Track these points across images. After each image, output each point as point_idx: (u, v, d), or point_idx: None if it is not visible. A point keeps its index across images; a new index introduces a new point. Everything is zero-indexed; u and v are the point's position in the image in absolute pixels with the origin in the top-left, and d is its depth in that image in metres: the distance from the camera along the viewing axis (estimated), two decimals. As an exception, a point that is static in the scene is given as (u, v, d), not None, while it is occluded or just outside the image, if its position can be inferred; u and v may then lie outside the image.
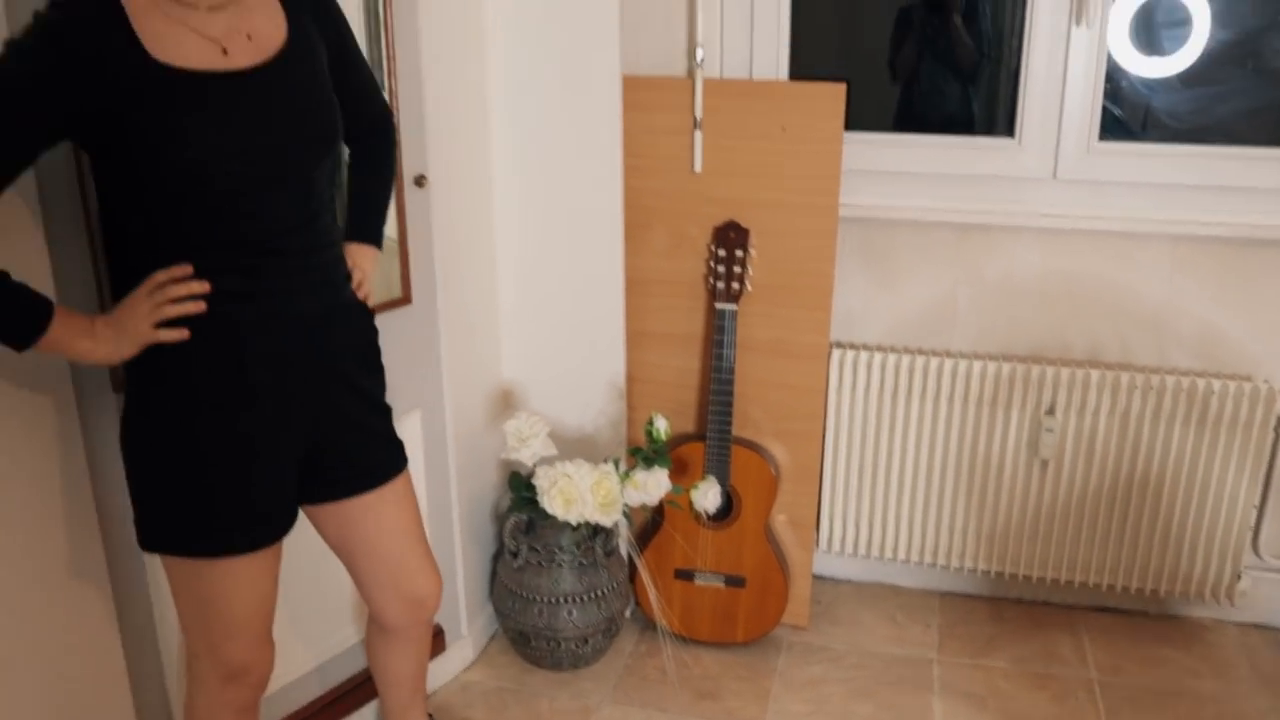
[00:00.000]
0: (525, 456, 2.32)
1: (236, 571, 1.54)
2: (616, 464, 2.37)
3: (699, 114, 2.41)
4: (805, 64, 2.54)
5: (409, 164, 2.13)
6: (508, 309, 2.54)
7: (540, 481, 2.32)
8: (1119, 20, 2.43)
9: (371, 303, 1.70)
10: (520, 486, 2.43)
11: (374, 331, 1.69)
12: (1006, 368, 2.51)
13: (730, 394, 2.44)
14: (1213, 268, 2.47)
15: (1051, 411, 2.51)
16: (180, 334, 1.43)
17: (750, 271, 2.45)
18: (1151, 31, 2.46)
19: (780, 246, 2.45)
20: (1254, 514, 2.51)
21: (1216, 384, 2.42)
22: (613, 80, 2.33)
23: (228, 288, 1.44)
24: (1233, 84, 2.49)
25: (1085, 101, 2.44)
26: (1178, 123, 2.51)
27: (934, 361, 2.54)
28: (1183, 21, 2.44)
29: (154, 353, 1.44)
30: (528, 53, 2.35)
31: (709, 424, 2.46)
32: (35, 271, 1.53)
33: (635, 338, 2.57)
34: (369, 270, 1.74)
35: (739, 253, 2.41)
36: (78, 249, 1.62)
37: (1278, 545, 2.59)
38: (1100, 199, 2.49)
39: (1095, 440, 2.51)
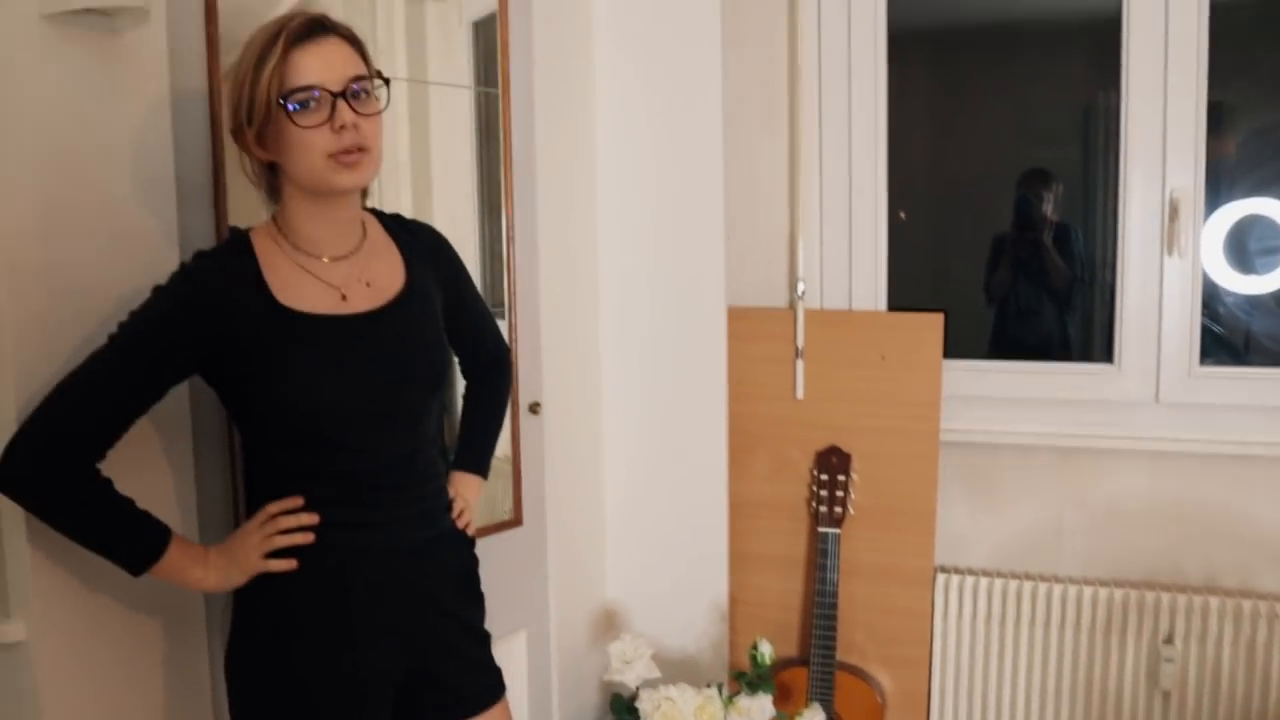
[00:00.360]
0: (629, 679, 2.32)
1: None
2: (720, 688, 2.35)
3: (801, 343, 2.50)
4: (902, 290, 2.63)
5: (525, 392, 2.25)
6: (613, 531, 2.60)
7: (644, 705, 2.31)
8: (1212, 242, 2.47)
9: (471, 531, 1.71)
10: (622, 709, 2.41)
11: (474, 560, 1.71)
12: (1119, 594, 2.45)
13: (834, 618, 2.43)
14: (1332, 491, 2.42)
15: (1170, 640, 2.42)
16: (289, 564, 1.47)
17: (853, 495, 2.48)
18: (1245, 254, 2.50)
19: (882, 470, 2.49)
20: (1396, 754, 2.36)
21: (1347, 613, 2.33)
22: (718, 312, 2.45)
23: (334, 518, 1.48)
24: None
25: (1183, 326, 2.47)
26: (1280, 345, 2.53)
27: (1042, 587, 2.49)
28: (1276, 249, 2.48)
29: (260, 580, 1.48)
30: (638, 289, 2.50)
31: (813, 649, 2.44)
32: (183, 497, 1.63)
33: (738, 560, 2.59)
34: (472, 500, 1.77)
35: (841, 477, 2.45)
36: (221, 479, 1.73)
37: None
38: (1205, 422, 2.47)
39: (1220, 672, 2.40)
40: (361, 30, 1.47)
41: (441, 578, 1.61)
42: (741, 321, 2.53)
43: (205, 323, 1.40)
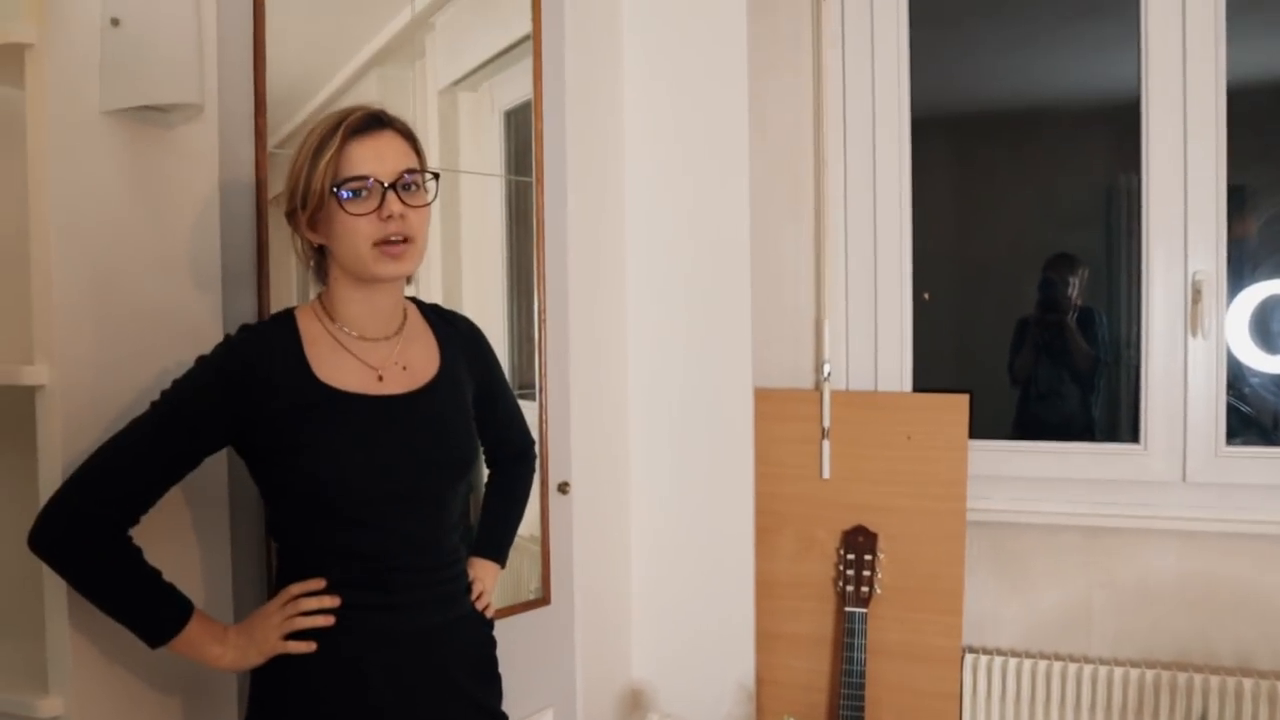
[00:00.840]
0: (655, 761, 2.32)
1: None
2: (748, 771, 2.34)
3: (827, 424, 2.53)
4: (927, 372, 2.66)
5: (554, 472, 2.28)
6: (640, 609, 2.61)
7: (672, 787, 2.30)
8: (1236, 323, 2.49)
9: (490, 614, 1.72)
10: (651, 791, 2.40)
11: (492, 643, 1.71)
12: (1150, 674, 2.42)
13: (861, 699, 2.41)
14: (1362, 572, 2.40)
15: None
16: (308, 646, 1.47)
17: (879, 575, 2.48)
18: (1269, 334, 2.52)
19: (909, 550, 2.49)
20: None
21: (1380, 695, 2.30)
22: (746, 393, 2.48)
23: (354, 600, 1.49)
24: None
25: (1209, 407, 2.48)
26: (1309, 426, 2.53)
27: (1072, 667, 2.47)
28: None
29: (279, 660, 1.48)
30: (666, 370, 2.54)
31: (841, 730, 2.42)
32: (218, 570, 1.66)
33: (765, 639, 2.59)
34: (490, 585, 1.78)
35: (868, 556, 2.46)
36: (256, 553, 1.76)
37: None
38: (1234, 501, 2.47)
39: (1255, 754, 2.37)
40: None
41: (459, 661, 1.61)
42: (768, 403, 2.56)
43: (244, 393, 1.44)
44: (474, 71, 2.20)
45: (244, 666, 1.50)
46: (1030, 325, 2.76)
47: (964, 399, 2.45)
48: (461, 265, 2.19)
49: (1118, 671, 2.44)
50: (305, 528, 1.50)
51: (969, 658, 2.54)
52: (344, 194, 1.43)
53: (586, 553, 2.39)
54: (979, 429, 2.54)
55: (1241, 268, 2.49)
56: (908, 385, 2.65)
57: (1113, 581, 2.55)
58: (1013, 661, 2.51)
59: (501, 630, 1.74)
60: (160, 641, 1.44)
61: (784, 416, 2.57)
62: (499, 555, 1.85)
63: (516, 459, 1.89)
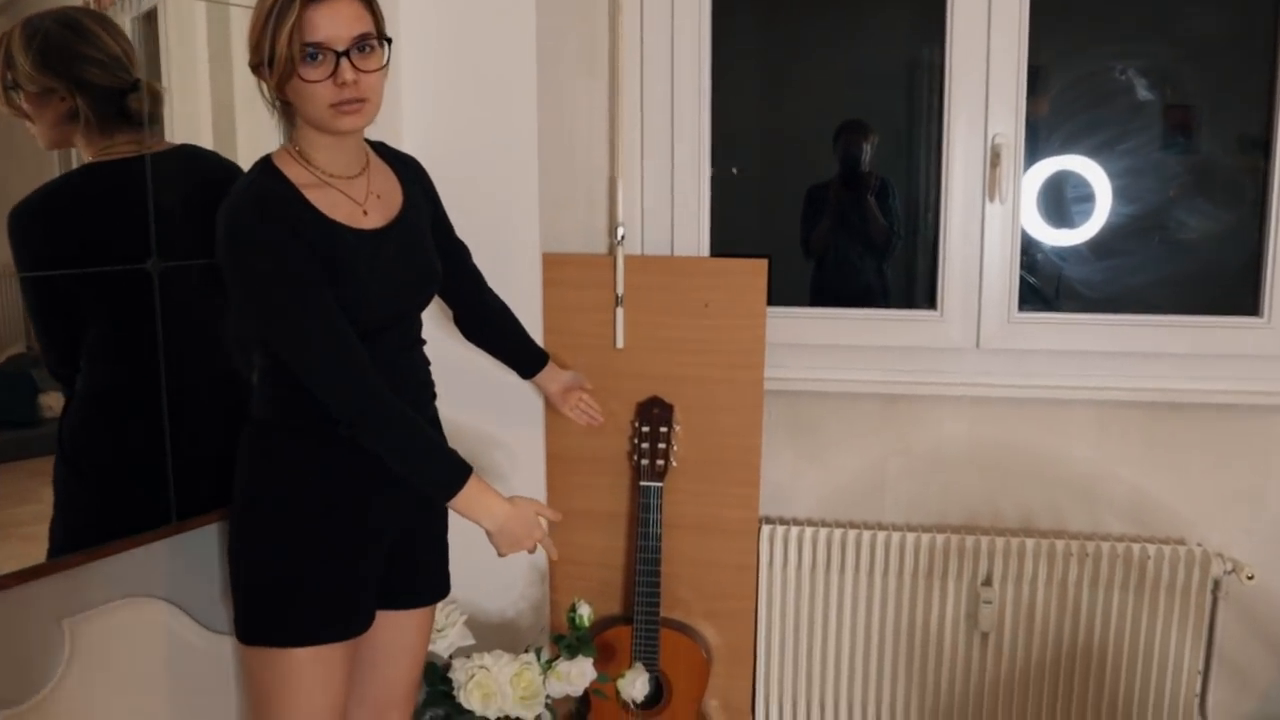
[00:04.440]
0: (441, 648, 2.20)
1: (332, 660, 1.71)
2: (538, 653, 2.25)
3: (620, 290, 2.41)
4: (726, 241, 2.57)
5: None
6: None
7: (456, 675, 2.19)
8: (1029, 195, 2.50)
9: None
10: (436, 680, 2.29)
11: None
12: (940, 539, 2.46)
13: (657, 574, 2.36)
14: (1138, 433, 2.48)
15: (989, 582, 2.45)
16: (553, 552, 1.89)
17: (675, 447, 2.41)
18: (1062, 206, 2.54)
19: (706, 422, 2.42)
20: (1198, 680, 2.44)
21: (1151, 549, 2.39)
22: (533, 258, 2.33)
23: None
24: (1142, 255, 2.56)
25: (1003, 274, 2.49)
26: (1094, 292, 2.57)
27: (866, 535, 2.48)
28: (1089, 197, 2.52)
29: (275, 463, 1.71)
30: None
31: (636, 607, 2.36)
32: None
33: (558, 517, 2.49)
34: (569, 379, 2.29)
35: (663, 429, 2.38)
36: None
37: (1224, 711, 2.51)
38: (1023, 367, 2.51)
39: (1034, 611, 2.44)
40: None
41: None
42: (558, 268, 2.42)
43: (300, 237, 1.58)
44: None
45: (502, 531, 1.75)
46: (825, 193, 2.70)
47: (763, 264, 2.37)
48: (235, 109, 1.99)
49: (909, 537, 2.47)
50: None
51: (765, 528, 2.51)
52: (302, 60, 1.53)
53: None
54: (777, 297, 2.47)
55: (1035, 144, 2.49)
56: (706, 251, 2.55)
57: (908, 449, 2.57)
58: (809, 531, 2.50)
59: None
60: (461, 484, 1.69)
61: (575, 283, 2.43)
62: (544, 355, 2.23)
63: (480, 282, 2.11)
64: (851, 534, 2.48)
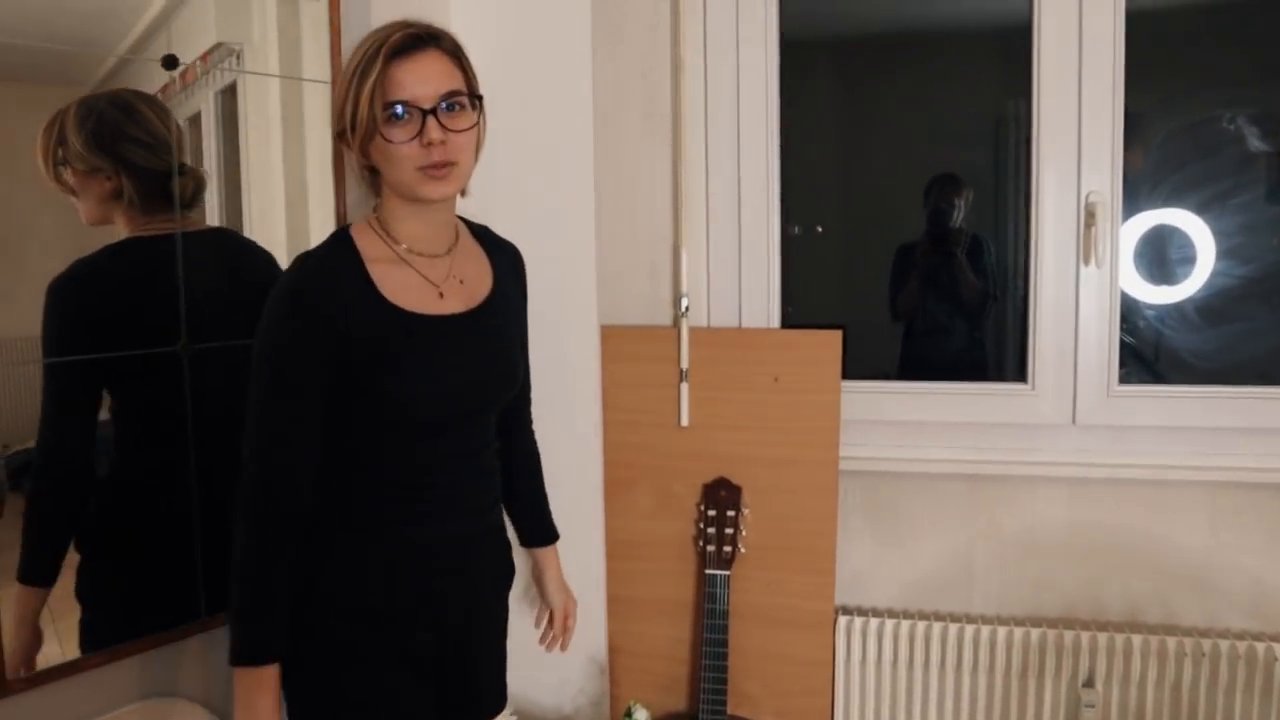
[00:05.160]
0: (492, 749, 2.07)
1: None
2: (596, 754, 2.11)
3: (685, 365, 2.29)
4: (799, 310, 2.44)
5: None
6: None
7: (508, 778, 2.07)
8: (1126, 253, 2.33)
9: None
10: (489, 780, 2.16)
11: (511, 566, 1.81)
12: (1035, 633, 2.27)
13: (724, 669, 2.21)
14: (1256, 517, 2.26)
15: (1090, 683, 2.25)
16: None
17: (744, 532, 2.27)
18: (1165, 265, 2.37)
19: (776, 504, 2.28)
20: (1330, 799, 2.20)
21: (1277, 648, 2.17)
22: (590, 330, 2.22)
23: (401, 509, 1.57)
24: (1257, 321, 2.37)
25: (1101, 343, 2.31)
26: (1203, 362, 2.39)
27: (953, 628, 2.30)
28: (1192, 259, 2.34)
29: (336, 550, 1.55)
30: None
31: (701, 703, 2.22)
32: None
33: (618, 605, 2.37)
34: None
35: (730, 512, 2.24)
36: None
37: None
38: (1125, 444, 2.32)
39: (1144, 716, 2.24)
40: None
41: (484, 568, 1.72)
42: (617, 341, 2.31)
43: (325, 334, 1.47)
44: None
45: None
46: (914, 254, 2.55)
47: (836, 335, 2.23)
48: (307, 180, 1.99)
49: (1000, 630, 2.29)
50: (365, 444, 1.55)
51: (842, 620, 2.34)
52: (385, 120, 1.46)
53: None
54: (855, 369, 2.32)
55: (1134, 201, 2.33)
56: (775, 322, 2.42)
57: (997, 533, 2.38)
58: (889, 623, 2.33)
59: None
60: (237, 661, 1.47)
61: (636, 357, 2.32)
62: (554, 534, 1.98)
63: (526, 424, 1.93)
64: (936, 626, 2.31)
